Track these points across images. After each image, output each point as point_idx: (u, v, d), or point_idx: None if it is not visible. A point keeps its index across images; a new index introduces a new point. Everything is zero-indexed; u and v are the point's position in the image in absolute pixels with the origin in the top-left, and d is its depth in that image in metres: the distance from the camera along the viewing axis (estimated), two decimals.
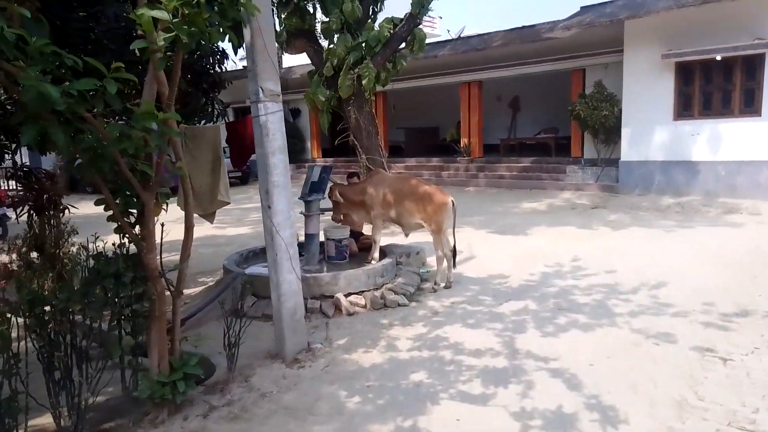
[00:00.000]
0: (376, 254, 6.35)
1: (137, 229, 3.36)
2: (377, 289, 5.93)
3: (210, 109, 5.37)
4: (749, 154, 11.13)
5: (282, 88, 4.07)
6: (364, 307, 5.60)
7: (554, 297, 5.81)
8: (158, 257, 3.49)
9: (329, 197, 6.49)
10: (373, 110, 11.67)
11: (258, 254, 6.73)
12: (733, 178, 11.37)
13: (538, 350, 4.38)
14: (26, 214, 6.85)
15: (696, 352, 4.24)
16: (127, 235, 3.28)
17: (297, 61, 20.69)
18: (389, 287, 5.97)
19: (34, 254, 6.56)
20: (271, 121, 4.13)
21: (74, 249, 6.45)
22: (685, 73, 11.72)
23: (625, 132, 12.69)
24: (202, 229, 11.20)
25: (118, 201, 3.19)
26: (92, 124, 2.70)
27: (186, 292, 6.97)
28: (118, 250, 3.51)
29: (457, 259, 7.52)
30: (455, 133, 18.18)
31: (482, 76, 16.26)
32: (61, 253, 6.44)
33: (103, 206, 3.15)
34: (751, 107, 11.12)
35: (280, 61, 24.31)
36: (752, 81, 11.04)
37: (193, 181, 4.82)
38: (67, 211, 6.95)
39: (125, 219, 3.24)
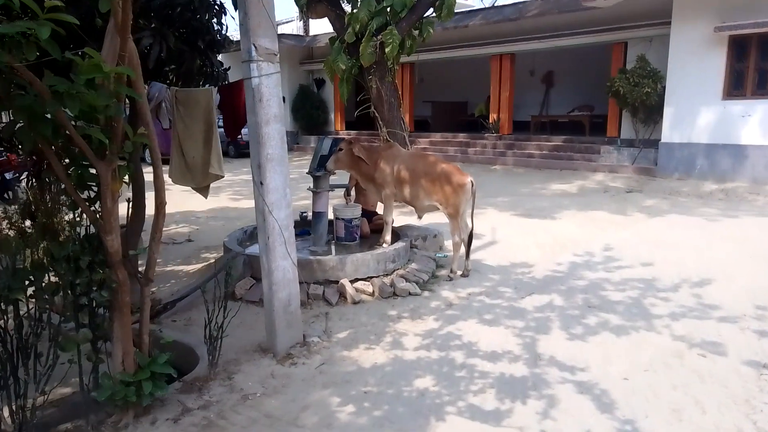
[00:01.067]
0: (388, 237, 5.82)
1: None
2: (387, 275, 5.42)
3: (208, 71, 4.85)
4: None
5: (306, 57, 3.64)
6: (372, 295, 5.10)
7: (583, 292, 5.22)
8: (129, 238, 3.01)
9: (339, 151, 5.83)
10: (397, 81, 11.01)
11: None
12: None
13: (564, 356, 3.83)
14: (26, 180, 6.52)
15: (751, 369, 3.63)
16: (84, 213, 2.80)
17: (322, 28, 20.02)
18: (401, 273, 5.46)
19: (28, 223, 6.21)
20: (266, 84, 3.59)
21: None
22: (738, 47, 10.72)
23: (668, 111, 11.77)
24: (216, 201, 10.84)
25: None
26: (26, 79, 2.21)
27: (185, 268, 6.65)
28: (71, 231, 3.05)
29: (478, 243, 6.99)
30: (484, 109, 17.36)
31: (515, 48, 15.35)
32: (55, 223, 6.07)
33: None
34: None
35: (306, 29, 23.64)
36: None
37: (186, 151, 4.34)
38: None
39: (80, 194, 2.75)
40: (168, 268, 6.37)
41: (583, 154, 13.84)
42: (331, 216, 6.09)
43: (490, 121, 16.07)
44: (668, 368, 3.65)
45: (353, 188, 6.38)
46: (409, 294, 5.13)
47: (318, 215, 5.94)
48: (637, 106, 12.32)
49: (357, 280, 5.21)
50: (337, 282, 5.12)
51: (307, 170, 5.98)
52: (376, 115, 10.51)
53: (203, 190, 4.52)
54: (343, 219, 5.90)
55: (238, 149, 18.06)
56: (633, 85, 12.04)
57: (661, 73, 11.90)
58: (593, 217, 8.79)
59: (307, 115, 20.23)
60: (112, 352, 2.99)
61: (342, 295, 5.04)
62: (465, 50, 16.39)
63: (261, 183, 3.67)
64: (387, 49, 9.53)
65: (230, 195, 11.96)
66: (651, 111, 12.33)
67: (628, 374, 3.56)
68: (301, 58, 20.90)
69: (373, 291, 5.12)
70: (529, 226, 8.16)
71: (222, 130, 4.61)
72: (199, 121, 4.23)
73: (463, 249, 5.71)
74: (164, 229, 8.77)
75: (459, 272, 5.70)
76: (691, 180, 11.46)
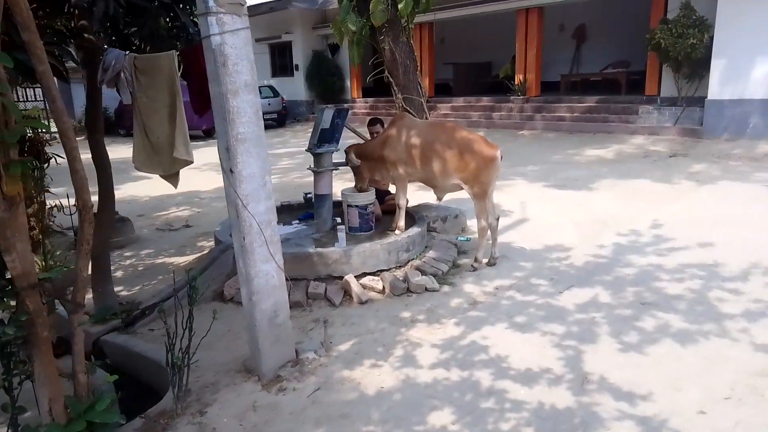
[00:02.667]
0: (401, 222, 5.04)
1: None
2: (400, 266, 4.68)
3: (180, 34, 4.07)
4: None
5: (320, 21, 2.93)
6: (382, 292, 4.37)
7: (633, 283, 4.39)
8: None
9: (347, 163, 5.18)
10: (414, 42, 10.03)
11: None
12: None
13: (618, 378, 3.05)
14: None
15: None
16: None
17: None
18: (416, 265, 4.70)
19: None
20: (231, 44, 2.80)
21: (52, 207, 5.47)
22: None
23: (717, 64, 10.55)
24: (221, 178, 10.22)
25: None
26: None
27: (177, 261, 5.96)
28: None
29: (506, 222, 6.18)
30: (509, 69, 16.19)
31: (544, 1, 14.08)
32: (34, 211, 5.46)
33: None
34: None
35: None
36: None
37: (150, 129, 3.61)
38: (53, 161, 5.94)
39: None
40: (158, 261, 5.75)
41: (619, 115, 12.70)
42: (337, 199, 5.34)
43: (516, 82, 14.92)
44: (756, 395, 2.84)
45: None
46: (426, 290, 4.38)
47: (321, 198, 5.20)
48: (681, 60, 11.09)
49: (365, 274, 4.48)
50: (341, 278, 4.40)
51: (306, 148, 5.21)
52: (391, 80, 9.62)
53: (172, 178, 3.79)
54: (356, 206, 5.09)
55: None
56: (676, 36, 10.80)
57: (708, 22, 10.63)
58: (635, 187, 7.85)
59: (322, 82, 19.30)
60: (37, 398, 2.33)
61: (347, 293, 4.32)
62: (488, 5, 15.16)
63: (231, 171, 2.92)
64: (400, 6, 8.51)
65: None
66: (696, 65, 11.09)
67: (705, 405, 2.77)
68: (315, 22, 19.87)
69: (384, 288, 4.38)
70: (563, 200, 7.28)
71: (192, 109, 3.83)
72: (163, 92, 3.47)
73: (489, 234, 4.90)
74: (163, 213, 8.27)
75: (485, 261, 4.91)
76: (742, 141, 10.32)
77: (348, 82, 19.55)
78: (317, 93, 19.73)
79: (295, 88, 20.19)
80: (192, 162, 3.60)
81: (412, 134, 4.81)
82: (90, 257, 2.33)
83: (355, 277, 4.38)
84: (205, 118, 3.76)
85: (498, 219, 5.01)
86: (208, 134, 15.28)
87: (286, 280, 3.37)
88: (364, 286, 4.35)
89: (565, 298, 4.19)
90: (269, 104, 18.11)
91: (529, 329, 3.71)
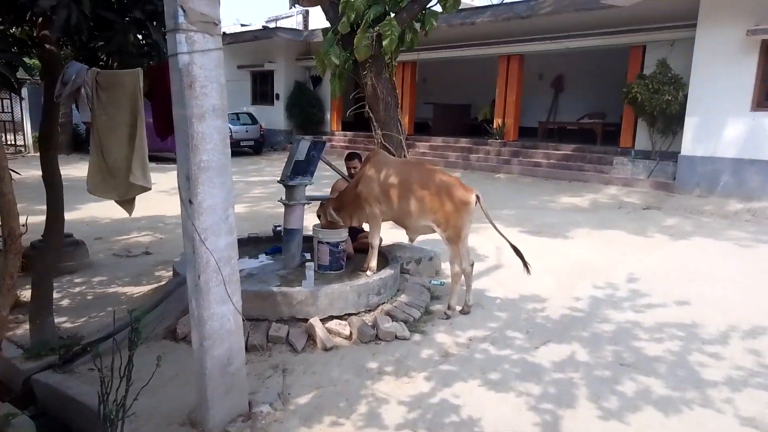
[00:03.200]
0: (374, 263, 4.79)
1: None
2: (370, 311, 4.41)
3: (149, 51, 3.84)
4: None
5: (304, 52, 2.78)
6: (349, 338, 4.08)
7: (611, 341, 4.21)
8: None
9: (318, 218, 5.01)
10: (396, 80, 10.01)
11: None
12: None
13: None
14: None
15: None
16: None
17: (323, 23, 19.02)
18: (387, 309, 4.44)
19: None
20: (200, 64, 2.58)
21: None
22: None
23: (690, 121, 10.78)
24: None
25: None
26: None
27: (130, 291, 5.47)
28: None
29: (481, 267, 5.99)
30: (488, 113, 16.37)
31: (525, 49, 14.36)
32: None
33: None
34: None
35: (305, 23, 22.63)
36: None
37: (107, 150, 3.32)
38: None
39: None
40: (111, 289, 5.35)
41: (594, 164, 12.85)
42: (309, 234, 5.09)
43: (495, 126, 15.06)
44: None
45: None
46: (396, 337, 4.11)
47: (290, 232, 4.93)
48: (656, 115, 11.32)
49: (331, 317, 4.20)
50: (306, 320, 4.10)
51: (279, 178, 4.96)
52: (371, 115, 9.51)
53: (127, 205, 3.49)
54: (327, 243, 4.83)
55: None
56: (652, 92, 11.05)
57: (683, 80, 10.92)
58: (610, 237, 7.79)
59: (302, 113, 19.22)
60: None
61: (311, 337, 4.02)
62: (471, 50, 15.40)
63: (190, 201, 2.65)
64: (384, 42, 8.48)
65: None
66: (670, 121, 11.34)
67: None
68: (298, 53, 19.92)
69: (351, 333, 4.10)
70: (539, 247, 7.15)
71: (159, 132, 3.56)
72: (124, 111, 3.21)
73: (464, 280, 4.69)
74: (124, 237, 7.86)
75: (458, 308, 4.69)
76: (713, 198, 10.47)
77: (328, 115, 19.51)
78: (296, 123, 19.61)
79: (275, 116, 20.05)
80: (149, 189, 3.32)
81: (387, 171, 4.62)
82: (13, 294, 2.02)
83: (320, 320, 4.10)
84: (169, 141, 3.50)
85: (472, 265, 4.81)
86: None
87: (245, 321, 3.08)
88: (330, 331, 4.06)
89: (541, 354, 3.97)
90: (246, 131, 17.90)
91: (503, 388, 3.46)
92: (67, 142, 16.56)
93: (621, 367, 3.77)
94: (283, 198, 4.92)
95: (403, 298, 4.73)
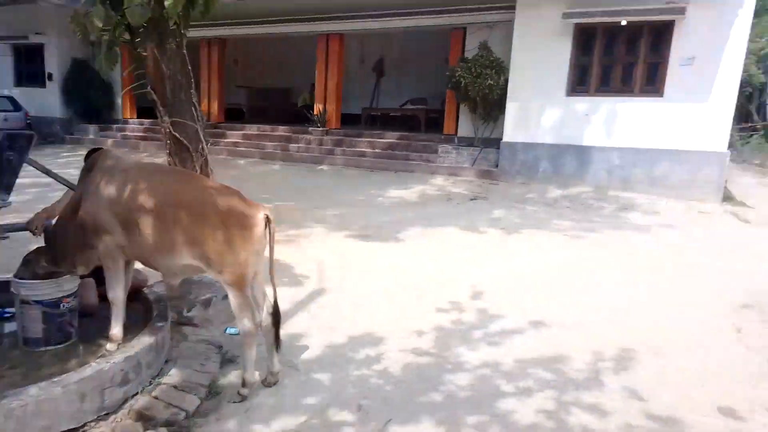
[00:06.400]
0: (117, 329, 3.03)
1: None
2: (110, 413, 2.70)
3: None
4: (646, 141, 9.54)
5: None
6: None
7: (471, 408, 3.06)
8: None
9: (27, 264, 3.08)
10: (184, 51, 8.03)
11: None
12: (626, 169, 9.77)
13: None
14: None
15: None
16: None
17: None
18: (141, 405, 2.77)
19: None
20: None
21: None
22: (584, 38, 9.77)
23: (511, 107, 10.54)
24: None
25: None
26: None
27: None
28: None
29: (298, 295, 4.57)
30: (308, 98, 14.95)
31: (344, 27, 13.13)
32: None
33: None
34: (652, 85, 9.47)
35: None
36: (657, 54, 9.38)
37: None
38: None
39: None
40: None
41: (420, 153, 12.18)
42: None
43: (316, 112, 13.70)
44: None
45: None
46: None
47: None
48: (477, 101, 10.91)
49: None
50: None
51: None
52: (154, 98, 7.45)
53: None
54: (39, 302, 2.96)
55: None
56: (475, 75, 10.57)
57: (504, 64, 10.61)
58: (443, 237, 6.93)
59: (84, 97, 15.83)
60: None
61: None
62: (286, 26, 13.74)
63: None
64: (167, 3, 6.56)
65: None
66: (492, 106, 11.00)
67: None
68: None
69: None
70: (369, 257, 5.95)
71: None
72: None
73: (262, 339, 3.18)
74: None
75: (258, 379, 3.18)
76: (534, 184, 10.36)
77: (119, 99, 16.38)
78: (77, 109, 16.14)
79: (48, 101, 16.28)
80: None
81: (124, 183, 2.90)
82: None
83: None
84: None
85: (275, 313, 3.22)
86: None
87: None
88: None
89: None
90: (5, 119, 14.14)
91: None
92: None
93: None
94: None
95: (174, 374, 3.09)
